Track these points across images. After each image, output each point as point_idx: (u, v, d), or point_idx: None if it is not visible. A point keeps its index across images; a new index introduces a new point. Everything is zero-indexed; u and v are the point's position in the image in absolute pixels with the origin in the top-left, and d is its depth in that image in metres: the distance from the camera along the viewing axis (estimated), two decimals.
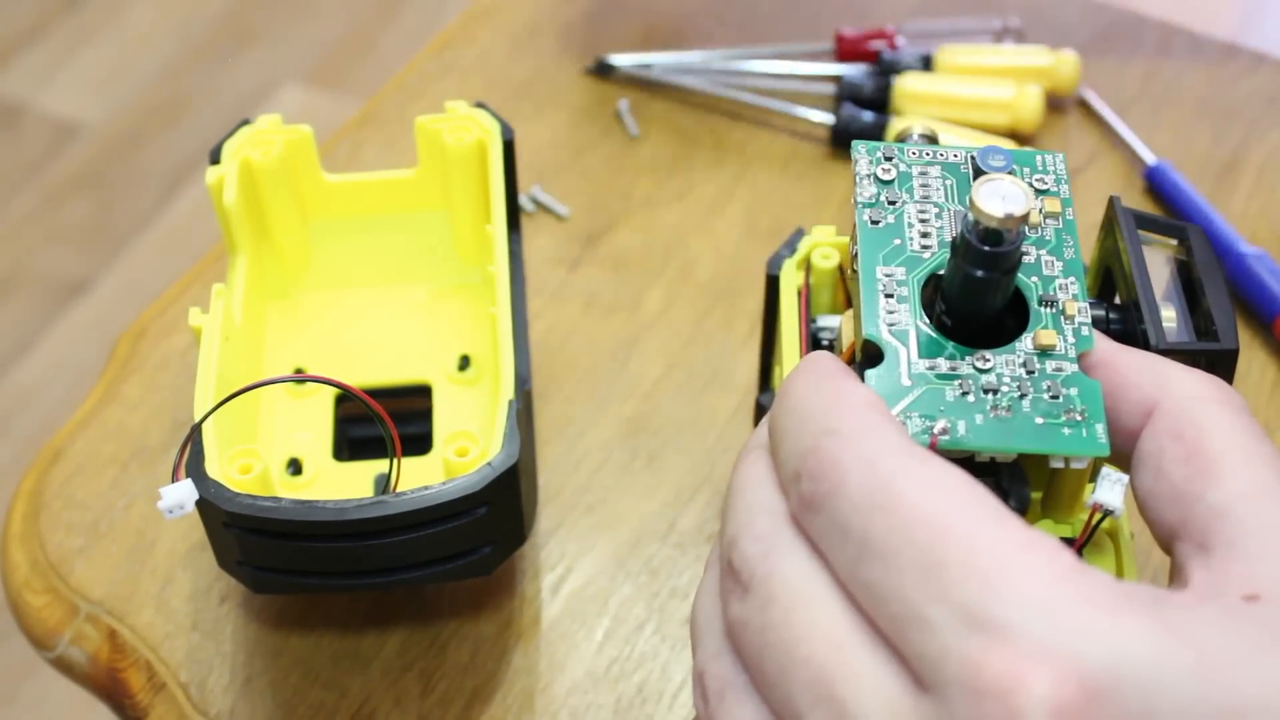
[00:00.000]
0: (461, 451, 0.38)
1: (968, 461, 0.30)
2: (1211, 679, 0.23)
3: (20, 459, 1.24)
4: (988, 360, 0.30)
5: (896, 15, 0.65)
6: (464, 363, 0.46)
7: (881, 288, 0.32)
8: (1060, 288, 0.32)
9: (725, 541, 0.29)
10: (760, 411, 0.45)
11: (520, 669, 0.43)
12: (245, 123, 0.46)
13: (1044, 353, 0.31)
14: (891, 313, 0.31)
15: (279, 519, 0.36)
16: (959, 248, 0.30)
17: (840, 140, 0.59)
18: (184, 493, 0.36)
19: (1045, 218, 0.33)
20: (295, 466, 0.44)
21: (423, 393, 0.46)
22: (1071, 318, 0.31)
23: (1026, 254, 0.32)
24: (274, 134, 0.46)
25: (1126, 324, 0.34)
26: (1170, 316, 0.33)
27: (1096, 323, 0.32)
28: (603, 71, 0.62)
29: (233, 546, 0.38)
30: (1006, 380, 0.30)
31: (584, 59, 0.63)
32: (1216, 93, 0.62)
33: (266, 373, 0.46)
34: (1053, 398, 0.30)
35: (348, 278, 0.49)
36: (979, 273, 0.30)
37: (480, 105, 0.47)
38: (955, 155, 0.34)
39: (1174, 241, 0.35)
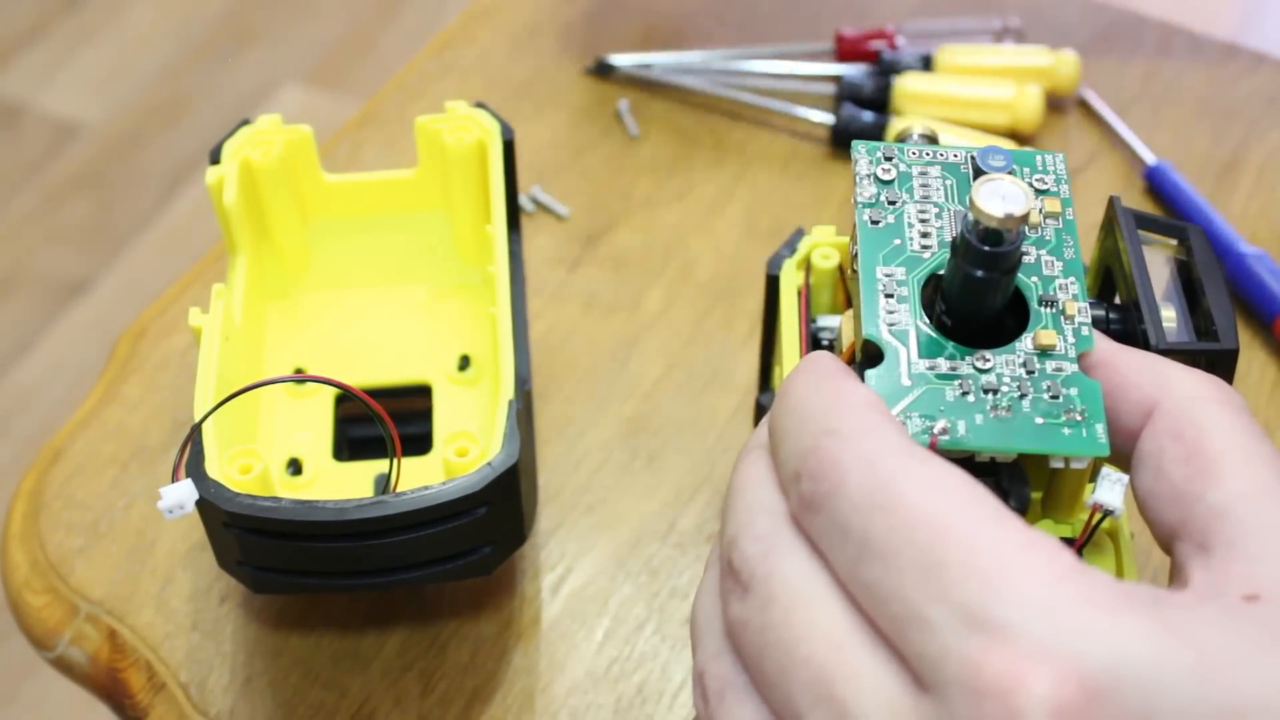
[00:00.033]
0: (461, 451, 0.38)
1: (968, 461, 0.30)
2: (1211, 679, 0.23)
3: (20, 459, 1.24)
4: (988, 360, 0.30)
5: (896, 15, 0.65)
6: (464, 363, 0.46)
7: (881, 288, 0.32)
8: (1060, 288, 0.32)
9: (725, 541, 0.29)
10: (760, 411, 0.45)
11: (520, 669, 0.43)
12: (245, 123, 0.46)
13: (1044, 353, 0.31)
14: (891, 313, 0.31)
15: (279, 519, 0.36)
16: (959, 248, 0.30)
17: (840, 140, 0.59)
18: (184, 493, 0.36)
19: (1045, 218, 0.33)
20: (295, 466, 0.44)
21: (423, 393, 0.46)
22: (1071, 318, 0.31)
23: (1026, 254, 0.32)
24: (274, 134, 0.46)
25: (1126, 324, 0.34)
26: (1170, 316, 0.33)
27: (1096, 323, 0.32)
28: (603, 71, 0.62)
29: (233, 546, 0.38)
30: (1006, 380, 0.30)
31: (584, 59, 0.63)
32: (1216, 93, 0.62)
33: (266, 373, 0.46)
34: (1053, 398, 0.30)
35: (348, 278, 0.49)
36: (979, 273, 0.30)
37: (480, 105, 0.47)
38: (955, 155, 0.34)
39: (1174, 241, 0.35)
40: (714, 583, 0.30)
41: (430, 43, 0.65)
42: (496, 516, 0.38)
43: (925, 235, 0.32)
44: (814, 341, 0.38)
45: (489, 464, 0.37)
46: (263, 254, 0.47)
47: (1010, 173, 0.32)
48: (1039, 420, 0.30)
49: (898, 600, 0.25)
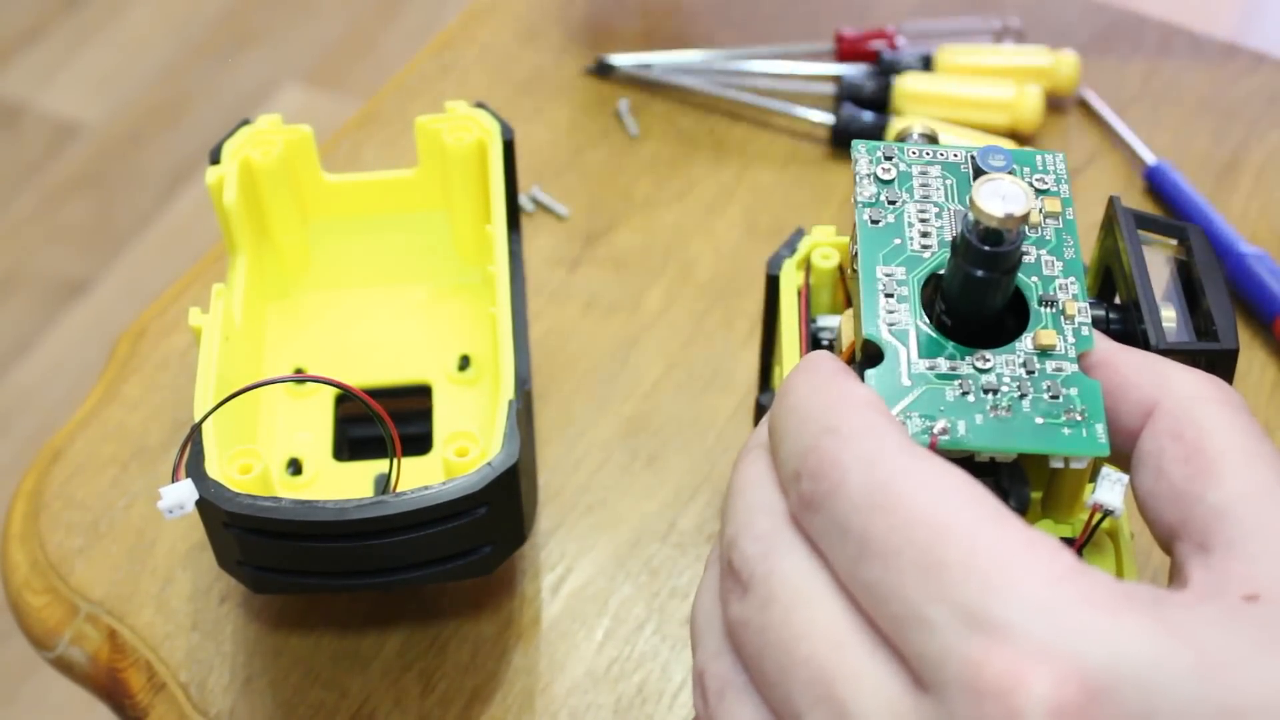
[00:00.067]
0: (461, 451, 0.38)
1: (968, 461, 0.30)
2: (1211, 679, 0.23)
3: (20, 459, 1.24)
4: (988, 360, 0.30)
5: (896, 15, 0.65)
6: (464, 363, 0.46)
7: (881, 287, 0.32)
8: (1060, 287, 0.32)
9: (725, 541, 0.29)
10: (760, 411, 0.45)
11: (520, 669, 0.43)
12: (245, 123, 0.46)
13: (1044, 353, 0.31)
14: (891, 312, 0.31)
15: (279, 519, 0.36)
16: (959, 247, 0.30)
17: (840, 140, 0.59)
18: (184, 493, 0.36)
19: (1045, 217, 0.33)
20: (295, 466, 0.44)
21: (423, 393, 0.46)
22: (1071, 318, 0.31)
23: (1026, 254, 0.32)
24: (274, 134, 0.46)
25: (1126, 324, 0.34)
26: (1170, 316, 0.33)
27: (1096, 322, 0.32)
28: (603, 71, 0.62)
29: (233, 546, 0.38)
30: (1006, 380, 0.30)
31: (584, 59, 0.63)
32: (1216, 93, 0.62)
33: (266, 373, 0.46)
34: (1053, 398, 0.30)
35: (348, 278, 0.49)
36: (979, 272, 0.30)
37: (480, 105, 0.47)
38: (955, 155, 0.34)
39: (1174, 241, 0.35)
40: (714, 582, 0.30)
41: (430, 43, 0.65)
42: (496, 516, 0.38)
43: (925, 235, 0.32)
44: (814, 341, 0.38)
45: (489, 464, 0.37)
46: (263, 254, 0.47)
47: (1010, 172, 0.32)
48: (1039, 420, 0.30)
49: (898, 600, 0.25)
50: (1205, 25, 0.69)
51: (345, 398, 0.45)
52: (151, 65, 1.60)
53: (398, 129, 0.60)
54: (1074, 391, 0.30)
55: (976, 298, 0.31)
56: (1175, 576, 0.28)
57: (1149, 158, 0.58)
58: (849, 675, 0.26)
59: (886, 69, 0.60)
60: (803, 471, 0.27)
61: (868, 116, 0.58)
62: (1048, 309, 0.31)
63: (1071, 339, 0.31)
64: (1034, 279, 0.32)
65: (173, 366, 0.52)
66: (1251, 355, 0.51)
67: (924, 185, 0.33)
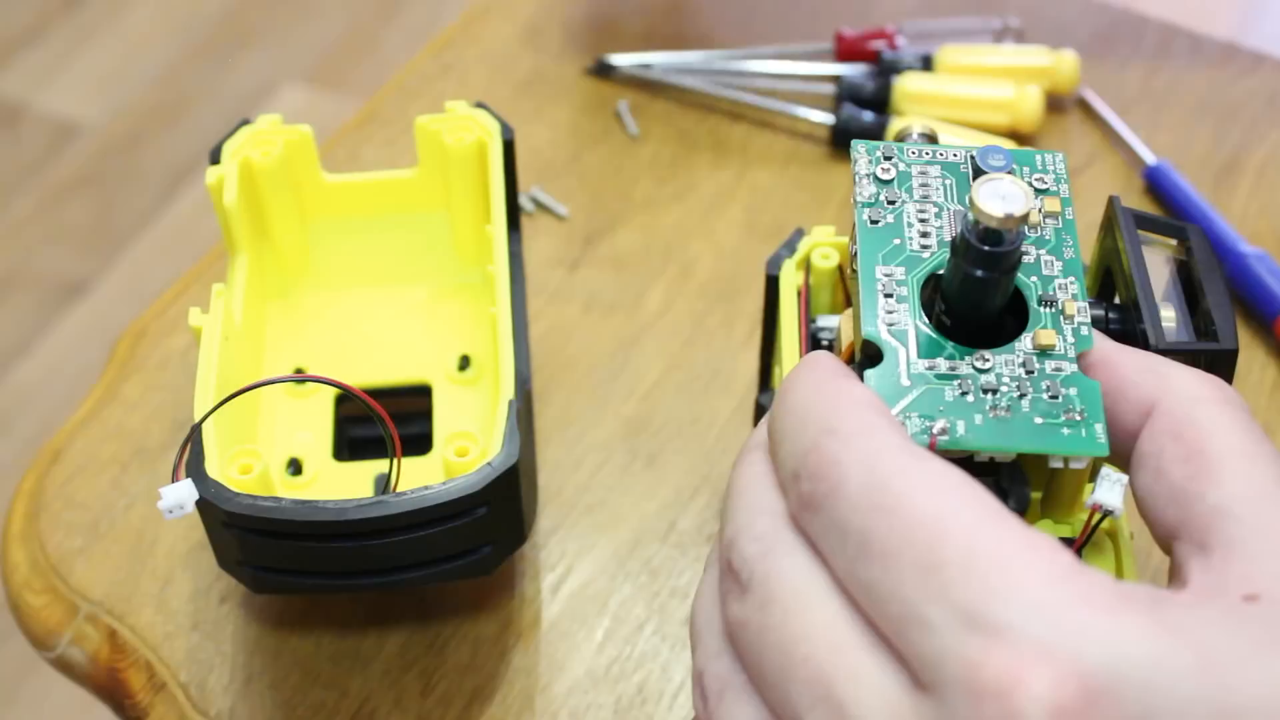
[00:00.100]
0: (461, 451, 0.38)
1: (967, 461, 0.30)
2: (1211, 679, 0.23)
3: (20, 459, 1.24)
4: (987, 360, 0.30)
5: (896, 15, 0.65)
6: (464, 363, 0.46)
7: (881, 287, 0.32)
8: (1060, 287, 0.32)
9: (724, 542, 0.29)
10: (760, 411, 0.45)
11: (520, 669, 0.43)
12: (245, 123, 0.46)
13: (1043, 352, 0.31)
14: (891, 312, 0.31)
15: (279, 519, 0.36)
16: (958, 247, 0.30)
17: (840, 140, 0.59)
18: (184, 493, 0.36)
19: (1045, 217, 0.33)
20: (295, 466, 0.44)
21: (423, 393, 0.46)
22: (1071, 317, 0.31)
23: (1026, 254, 0.32)
24: (274, 134, 0.46)
25: (1126, 324, 0.34)
26: (1170, 316, 0.33)
27: (1096, 322, 0.32)
28: (603, 71, 0.62)
29: (233, 546, 0.38)
30: (1006, 380, 0.30)
31: (584, 59, 0.63)
32: (1216, 93, 0.62)
33: (266, 373, 0.46)
34: (1052, 398, 0.30)
35: (348, 278, 0.49)
36: (978, 272, 0.30)
37: (480, 105, 0.47)
38: (955, 155, 0.34)
39: (1174, 241, 0.35)
40: (713, 583, 0.30)
41: (430, 43, 0.65)
42: (496, 516, 0.38)
43: (925, 235, 0.32)
44: (814, 341, 0.38)
45: (489, 464, 0.37)
46: (263, 254, 0.47)
47: (1010, 172, 0.32)
48: (1038, 420, 0.30)
49: (897, 600, 0.25)
50: (1205, 25, 0.69)
51: (345, 398, 0.45)
52: (151, 65, 1.60)
53: (398, 129, 0.60)
54: (1073, 391, 0.30)
55: (976, 298, 0.31)
56: (1175, 576, 0.28)
57: (1149, 158, 0.58)
58: (848, 675, 0.26)
59: (886, 69, 0.60)
60: (802, 472, 0.27)
61: (868, 116, 0.58)
62: (1047, 309, 0.31)
63: (1071, 339, 0.31)
64: (1033, 279, 0.32)
65: (173, 366, 0.52)
66: (1251, 355, 0.51)
67: (923, 185, 0.33)
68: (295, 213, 0.47)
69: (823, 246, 0.40)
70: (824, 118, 0.59)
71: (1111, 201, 0.35)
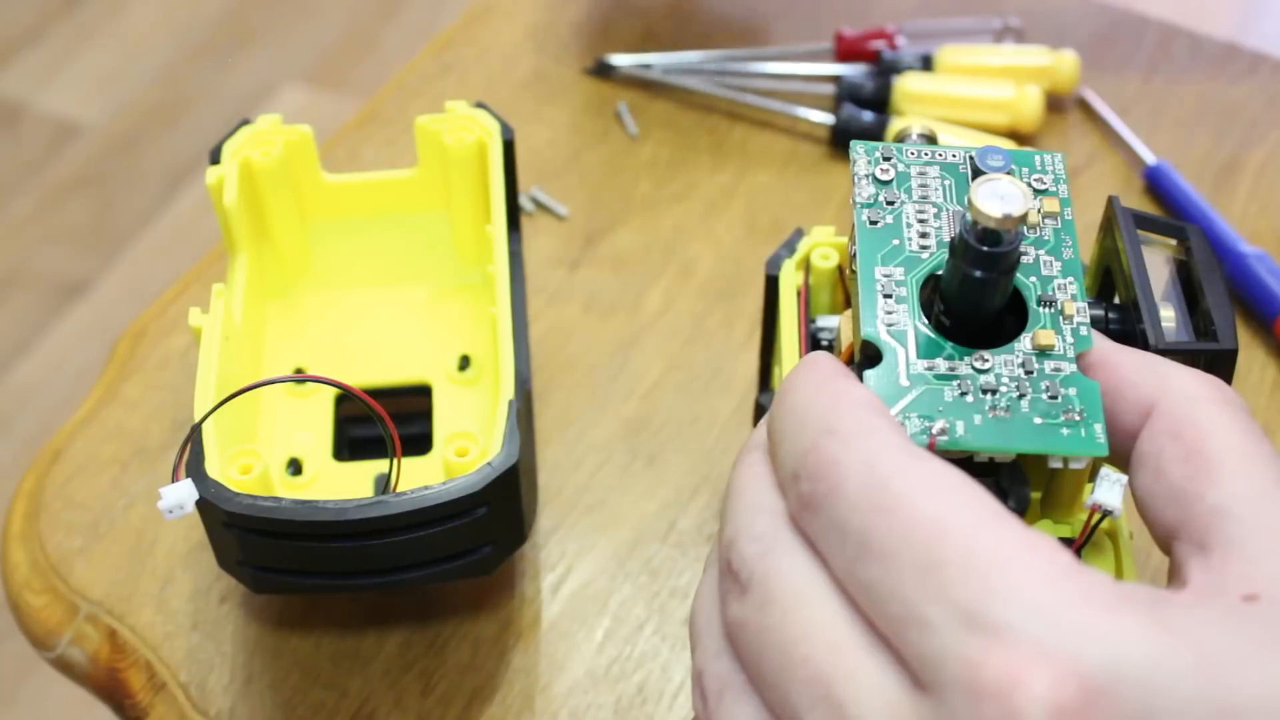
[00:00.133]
0: (461, 451, 0.38)
1: (967, 462, 0.30)
2: (1210, 679, 0.24)
3: (20, 459, 1.24)
4: (986, 360, 0.30)
5: (896, 15, 0.65)
6: (464, 363, 0.46)
7: (880, 288, 0.32)
8: (1059, 288, 0.32)
9: (724, 542, 0.29)
10: (760, 411, 0.45)
11: (520, 669, 0.43)
12: (245, 123, 0.46)
13: (1043, 353, 0.31)
14: (890, 313, 0.31)
15: (279, 519, 0.36)
16: (957, 248, 0.30)
17: (840, 140, 0.59)
18: (184, 493, 0.36)
19: (1044, 217, 0.33)
20: (295, 466, 0.44)
21: (423, 393, 0.46)
22: (1070, 318, 0.31)
23: (1025, 254, 0.32)
24: (274, 134, 0.46)
25: (1125, 324, 0.34)
26: (1169, 316, 0.33)
27: (1095, 322, 0.32)
28: (603, 71, 0.62)
29: (233, 546, 0.38)
30: (1005, 380, 0.30)
31: (584, 59, 0.63)
32: (1216, 93, 0.62)
33: (266, 373, 0.46)
34: (1051, 398, 0.30)
35: (348, 278, 0.49)
36: (977, 273, 0.30)
37: (480, 105, 0.47)
38: (954, 155, 0.34)
39: (1173, 241, 0.35)
40: (713, 583, 0.30)
41: (430, 43, 0.65)
42: (496, 516, 0.38)
43: (924, 235, 0.32)
44: (813, 341, 0.38)
45: (489, 464, 0.37)
46: (263, 254, 0.47)
47: (1009, 173, 0.32)
48: (1038, 420, 0.30)
49: (896, 600, 0.25)
50: (1205, 25, 0.69)
51: (345, 398, 0.45)
52: (151, 65, 1.60)
53: (398, 129, 0.60)
54: (1073, 391, 0.30)
55: (975, 298, 0.31)
56: (1174, 576, 0.28)
57: (1149, 158, 0.58)
58: (848, 675, 0.26)
59: (886, 69, 0.60)
60: (801, 472, 0.27)
61: (868, 116, 0.58)
62: (1046, 309, 0.31)
63: (1070, 339, 0.31)
64: (1032, 279, 0.32)
65: (173, 366, 0.52)
66: (1251, 355, 0.51)
67: (922, 186, 0.33)
68: (295, 213, 0.47)
69: (822, 246, 0.40)
70: (824, 118, 0.59)
71: (1111, 201, 0.35)
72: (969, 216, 0.30)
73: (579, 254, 0.56)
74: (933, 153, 0.34)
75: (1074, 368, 0.30)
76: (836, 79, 0.60)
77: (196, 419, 0.38)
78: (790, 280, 0.40)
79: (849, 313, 0.34)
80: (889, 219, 0.33)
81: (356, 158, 0.59)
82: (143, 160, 1.50)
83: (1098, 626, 0.24)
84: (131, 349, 0.52)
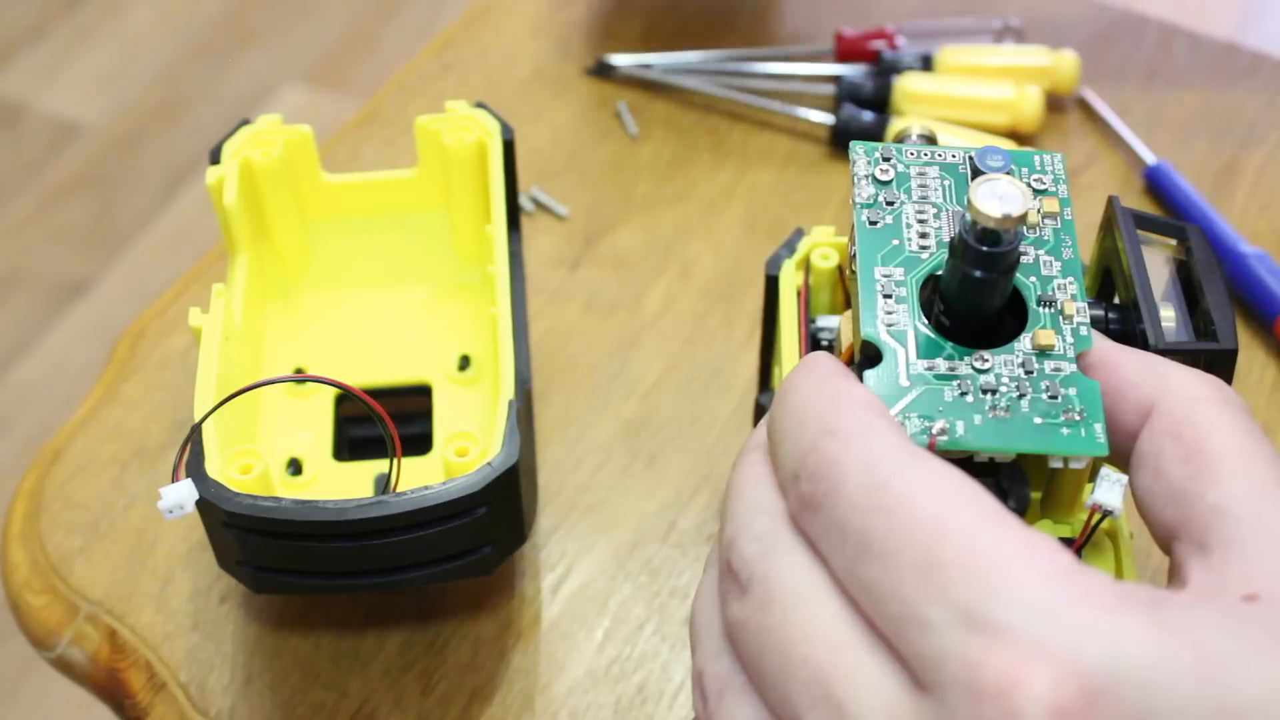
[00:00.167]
0: (461, 451, 0.38)
1: (967, 462, 0.30)
2: (1210, 679, 0.24)
3: (20, 459, 1.24)
4: (986, 360, 0.30)
5: (896, 15, 0.65)
6: (464, 363, 0.46)
7: (880, 288, 0.32)
8: (1059, 288, 0.32)
9: (724, 542, 0.29)
10: (760, 411, 0.45)
11: (520, 669, 0.43)
12: (245, 123, 0.46)
13: (1042, 353, 0.31)
14: (890, 313, 0.31)
15: (279, 519, 0.36)
16: (957, 248, 0.30)
17: (840, 140, 0.59)
18: (184, 493, 0.36)
19: (1043, 218, 0.33)
20: (295, 466, 0.44)
21: (423, 393, 0.46)
22: (1070, 317, 0.31)
23: (1025, 254, 0.32)
24: (274, 134, 0.46)
25: (1125, 324, 0.34)
26: (1169, 316, 0.33)
27: (1095, 322, 0.32)
28: (603, 71, 0.62)
29: (233, 546, 0.38)
30: (1005, 380, 0.30)
31: (584, 59, 0.63)
32: (1216, 93, 0.62)
33: (266, 373, 0.46)
34: (1051, 398, 0.30)
35: (348, 278, 0.49)
36: (977, 273, 0.30)
37: (480, 105, 0.47)
38: (953, 155, 0.34)
39: (1173, 241, 0.35)
40: (713, 583, 0.30)
41: (430, 43, 0.65)
42: (496, 516, 0.38)
43: (923, 236, 0.32)
44: (813, 342, 0.38)
45: (489, 464, 0.37)
46: (263, 254, 0.47)
47: (1008, 173, 0.32)
48: (1038, 420, 0.30)
49: (896, 600, 0.25)
50: (1205, 25, 0.69)
51: (345, 398, 0.45)
52: (151, 65, 1.60)
53: (398, 129, 0.60)
54: (1073, 391, 0.30)
55: (974, 298, 0.31)
56: (1174, 576, 0.28)
57: (1149, 158, 0.58)
58: (848, 676, 0.26)
59: (886, 69, 0.60)
60: (801, 472, 0.27)
61: (868, 116, 0.58)
62: (1046, 309, 0.31)
63: (1070, 339, 0.31)
64: (1032, 279, 0.32)
65: (173, 366, 0.52)
66: (1251, 355, 0.51)
67: (922, 186, 0.33)
68: (295, 213, 0.47)
69: (822, 247, 0.40)
70: (824, 118, 0.59)
71: (1111, 201, 0.35)
72: (968, 216, 0.30)
73: (579, 254, 0.56)
74: (932, 153, 0.34)
75: (1074, 368, 0.30)
76: (836, 79, 0.60)
77: (196, 419, 0.38)
78: (790, 280, 0.40)
79: (849, 313, 0.34)
80: (889, 219, 0.33)
81: (356, 158, 0.59)
82: (143, 160, 1.50)
83: (1098, 626, 0.24)
84: (131, 349, 0.52)
